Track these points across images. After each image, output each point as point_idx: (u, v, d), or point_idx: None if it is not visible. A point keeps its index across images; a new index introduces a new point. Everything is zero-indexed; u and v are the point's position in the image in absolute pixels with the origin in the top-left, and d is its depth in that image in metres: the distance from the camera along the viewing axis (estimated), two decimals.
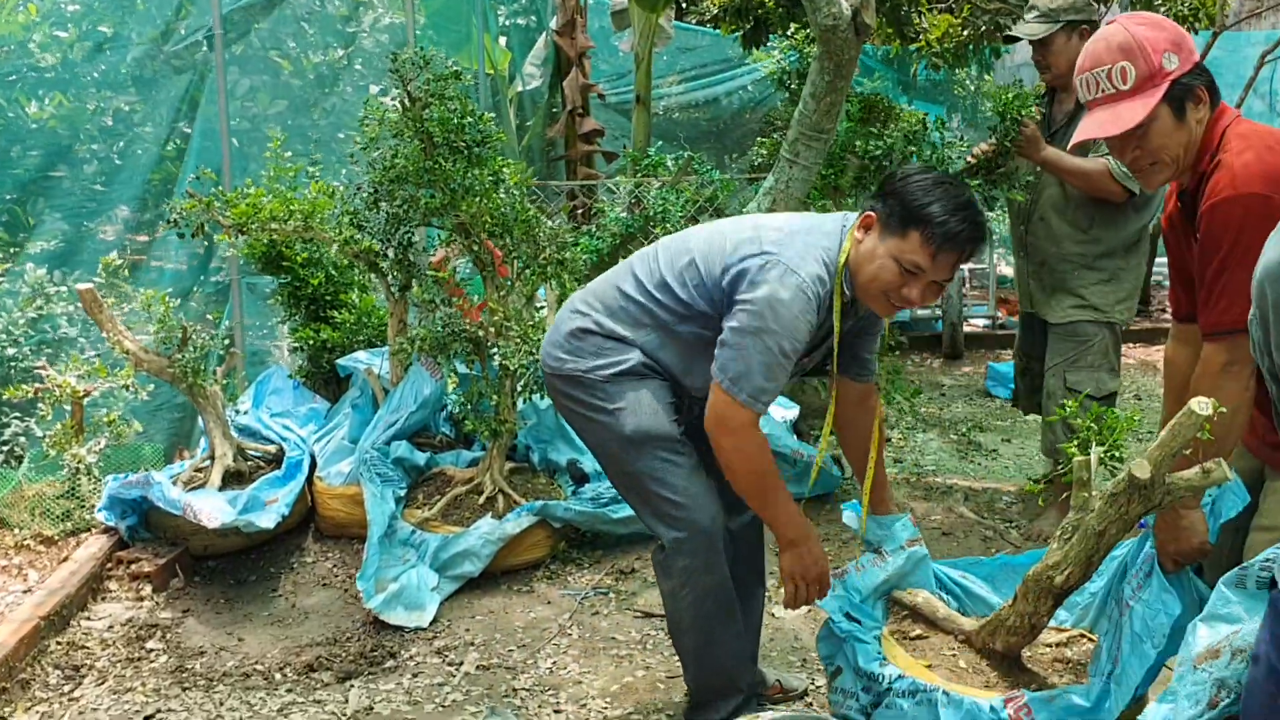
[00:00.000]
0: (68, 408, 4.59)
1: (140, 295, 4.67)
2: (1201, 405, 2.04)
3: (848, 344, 2.70)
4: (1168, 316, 8.07)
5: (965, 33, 9.65)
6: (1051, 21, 4.10)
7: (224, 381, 4.66)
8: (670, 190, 5.93)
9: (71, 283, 5.56)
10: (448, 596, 3.90)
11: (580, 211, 7.63)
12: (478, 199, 4.06)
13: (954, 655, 2.70)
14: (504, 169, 4.18)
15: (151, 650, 3.58)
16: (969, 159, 4.52)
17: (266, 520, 4.08)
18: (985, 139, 4.54)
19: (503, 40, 9.10)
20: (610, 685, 3.30)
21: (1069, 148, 3.47)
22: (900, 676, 2.50)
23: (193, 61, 6.09)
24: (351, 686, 3.35)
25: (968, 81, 10.98)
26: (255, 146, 6.30)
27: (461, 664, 3.47)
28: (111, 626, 3.72)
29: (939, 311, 8.17)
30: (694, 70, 10.65)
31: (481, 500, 4.18)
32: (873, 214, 2.47)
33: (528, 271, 4.27)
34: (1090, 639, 2.77)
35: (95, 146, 6.16)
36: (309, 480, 4.52)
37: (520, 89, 9.25)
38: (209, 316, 5.55)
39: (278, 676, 3.42)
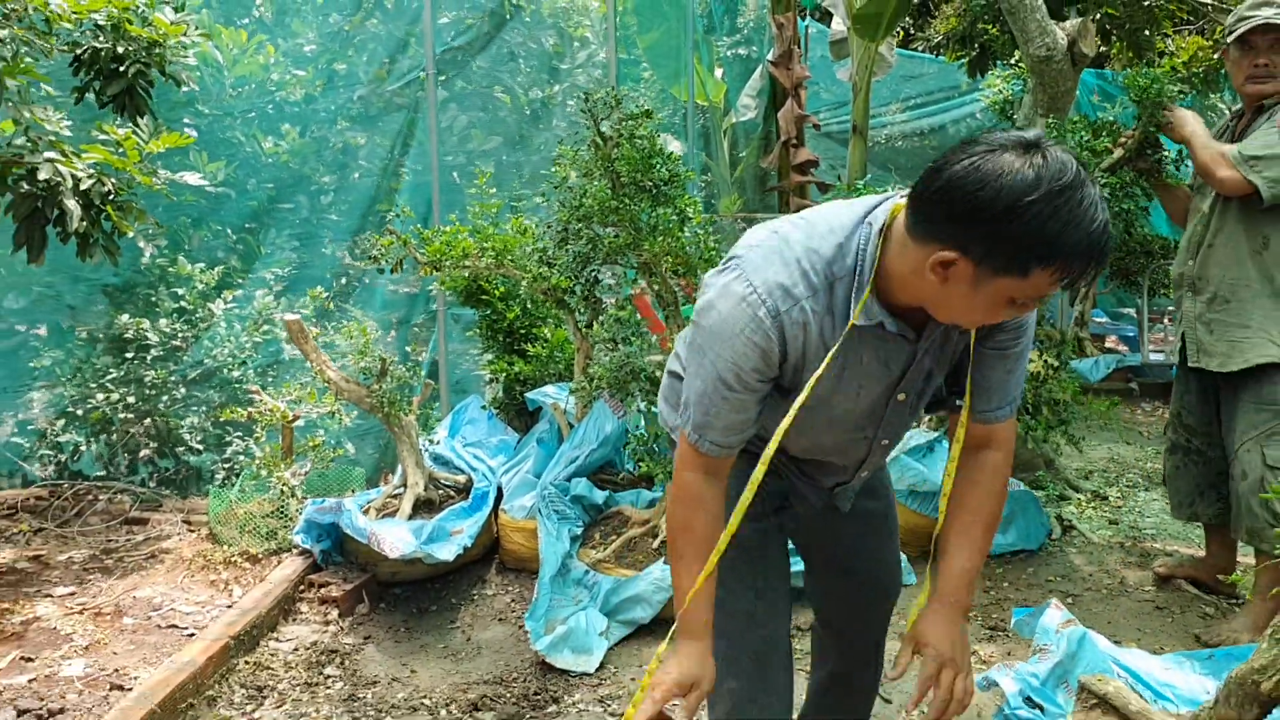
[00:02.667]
0: (282, 430, 4.84)
1: (355, 323, 4.88)
2: None
3: (954, 370, 2.06)
4: None
5: (1217, 55, 9.00)
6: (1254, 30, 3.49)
7: (418, 412, 4.79)
8: None
9: (299, 308, 5.89)
10: (616, 642, 3.86)
11: None
12: (662, 238, 4.01)
13: None
14: (690, 207, 4.12)
15: (329, 676, 3.68)
16: (1119, 146, 4.18)
17: (446, 553, 4.14)
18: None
19: (719, 72, 9.09)
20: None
21: None
22: None
23: (413, 98, 6.36)
24: None
25: (1220, 107, 10.21)
26: (469, 180, 6.53)
27: (622, 715, 3.41)
28: (296, 649, 3.85)
29: (1175, 358, 7.57)
30: (919, 98, 10.37)
31: (656, 544, 4.12)
32: (953, 254, 1.69)
33: None
34: None
35: (325, 179, 6.52)
36: (494, 512, 4.58)
37: (735, 120, 9.22)
38: (408, 349, 5.73)
39: (443, 713, 3.45)
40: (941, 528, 2.08)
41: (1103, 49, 9.26)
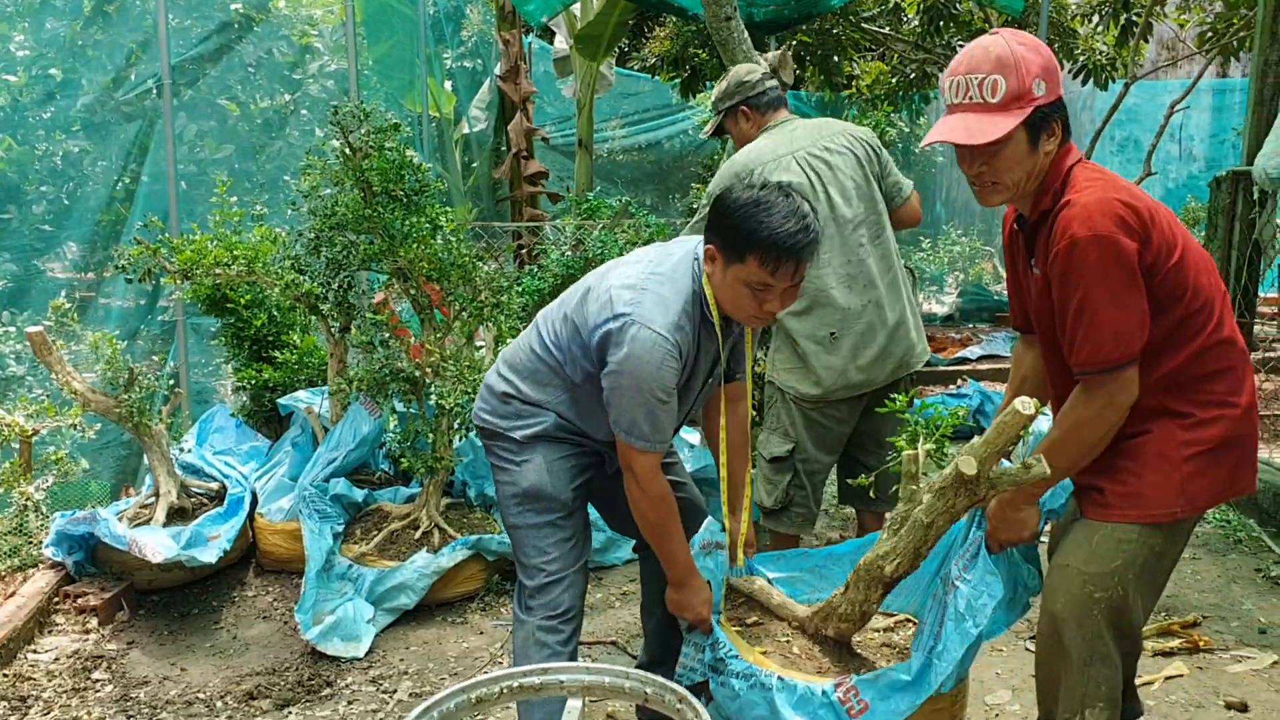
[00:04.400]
0: (16, 446, 4.73)
1: (89, 336, 4.83)
2: (1024, 405, 2.13)
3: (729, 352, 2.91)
4: None
5: (894, 80, 10.06)
6: (715, 114, 4.27)
7: (169, 421, 4.81)
8: (608, 233, 6.18)
9: (21, 322, 5.71)
10: (383, 628, 4.09)
11: (526, 251, 7.85)
12: (415, 245, 4.27)
13: (788, 641, 2.80)
14: (441, 216, 4.39)
15: (97, 680, 3.72)
16: None
17: (209, 555, 4.23)
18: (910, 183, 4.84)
19: (448, 85, 9.33)
20: None
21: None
22: (736, 657, 2.62)
23: (142, 108, 6.27)
24: (289, 714, 3.52)
25: (901, 126, 11.37)
26: (202, 189, 6.49)
27: (395, 692, 3.65)
28: (58, 659, 3.85)
29: None
30: (637, 114, 10.97)
31: (418, 535, 4.36)
32: (711, 246, 2.60)
33: (465, 314, 4.48)
34: (914, 623, 2.91)
35: (44, 188, 6.31)
36: (250, 516, 4.68)
37: (466, 131, 9.48)
38: (155, 357, 5.69)
39: (219, 704, 3.58)
40: (727, 459, 3.01)
41: (799, 73, 10.14)
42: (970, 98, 2.34)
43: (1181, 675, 3.64)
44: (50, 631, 4.06)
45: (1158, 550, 2.44)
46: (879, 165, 3.99)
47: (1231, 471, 2.45)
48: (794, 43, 8.75)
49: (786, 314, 3.89)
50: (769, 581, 3.04)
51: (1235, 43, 9.09)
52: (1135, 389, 2.32)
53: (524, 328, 5.78)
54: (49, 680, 3.70)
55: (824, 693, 2.44)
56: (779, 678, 2.50)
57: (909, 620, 2.91)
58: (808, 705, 2.45)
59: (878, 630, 2.86)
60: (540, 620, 2.83)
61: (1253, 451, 2.51)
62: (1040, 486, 2.41)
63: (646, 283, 2.64)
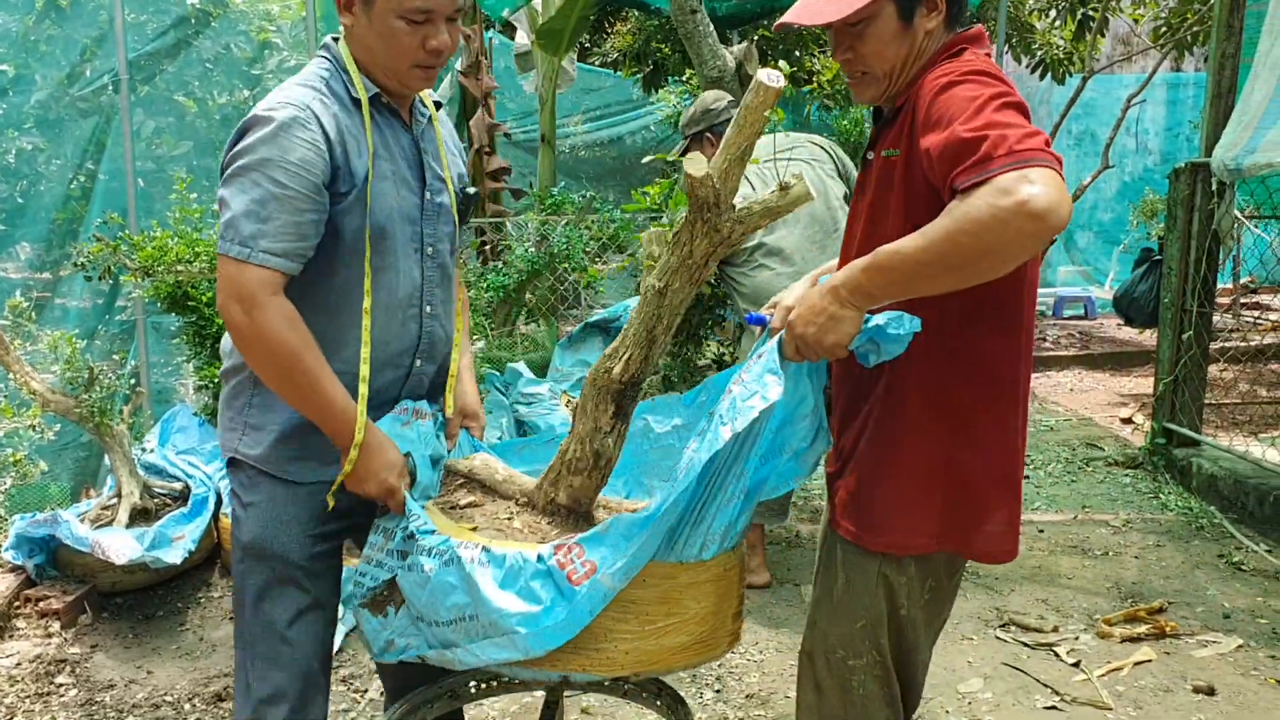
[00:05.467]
0: None
1: (46, 336, 4.74)
2: (770, 76, 1.66)
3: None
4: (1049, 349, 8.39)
5: None
6: (684, 138, 4.41)
7: (130, 421, 4.74)
8: (573, 228, 6.17)
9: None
10: (353, 627, 4.04)
11: (489, 248, 7.81)
12: None
13: (509, 519, 2.17)
14: None
15: (61, 685, 3.66)
16: None
17: (173, 556, 4.17)
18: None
19: None
20: (509, 706, 3.48)
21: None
22: (431, 533, 1.96)
23: (99, 104, 6.18)
24: None
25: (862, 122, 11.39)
26: (160, 186, 6.39)
27: (366, 691, 3.62)
28: (19, 664, 3.78)
29: None
30: (599, 110, 10.95)
31: None
32: None
33: None
34: None
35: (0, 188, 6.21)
36: (215, 517, 4.62)
37: None
38: (115, 356, 5.61)
39: (187, 707, 3.53)
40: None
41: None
42: None
43: (1149, 660, 3.68)
44: (11, 636, 3.98)
45: (912, 593, 2.01)
46: (838, 168, 4.18)
47: (987, 519, 1.97)
48: (756, 38, 8.76)
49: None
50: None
51: (1189, 37, 9.22)
52: (1067, 201, 1.59)
53: (488, 324, 5.76)
54: (11, 686, 3.64)
55: (539, 559, 1.84)
56: (484, 549, 1.88)
57: None
58: (517, 578, 1.84)
59: (624, 510, 2.27)
60: None
61: (1016, 515, 2.00)
62: (872, 281, 1.74)
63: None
